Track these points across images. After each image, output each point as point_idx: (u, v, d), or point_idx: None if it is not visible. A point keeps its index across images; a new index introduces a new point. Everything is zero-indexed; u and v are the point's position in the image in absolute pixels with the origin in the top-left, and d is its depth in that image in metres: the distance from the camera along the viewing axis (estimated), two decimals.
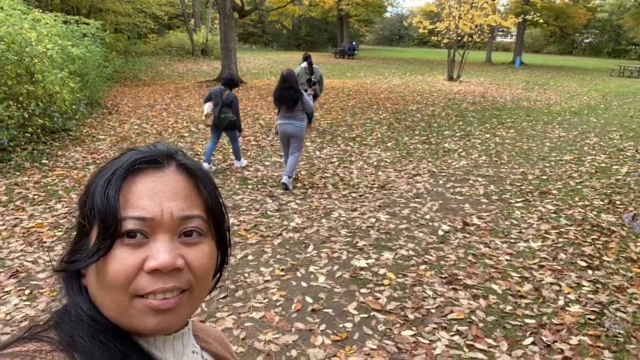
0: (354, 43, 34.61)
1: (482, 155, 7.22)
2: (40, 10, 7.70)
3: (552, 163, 6.79)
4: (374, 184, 5.72)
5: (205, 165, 5.92)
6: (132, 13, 21.72)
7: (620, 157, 7.34)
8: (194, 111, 10.34)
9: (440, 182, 5.82)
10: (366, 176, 6.07)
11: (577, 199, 5.25)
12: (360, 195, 5.26)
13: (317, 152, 7.28)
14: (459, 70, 19.88)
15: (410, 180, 5.90)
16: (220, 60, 15.21)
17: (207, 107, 5.99)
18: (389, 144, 7.95)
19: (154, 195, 0.52)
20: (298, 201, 5.04)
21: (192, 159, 0.60)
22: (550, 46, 57.27)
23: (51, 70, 6.38)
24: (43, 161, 5.98)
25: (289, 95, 5.31)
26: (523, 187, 5.61)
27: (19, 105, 6.11)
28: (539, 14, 20.47)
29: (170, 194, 0.53)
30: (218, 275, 0.63)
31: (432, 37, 20.04)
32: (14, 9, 6.57)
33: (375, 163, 6.73)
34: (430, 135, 8.78)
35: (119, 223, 0.50)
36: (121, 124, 8.50)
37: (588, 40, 54.29)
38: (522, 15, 19.78)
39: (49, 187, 5.11)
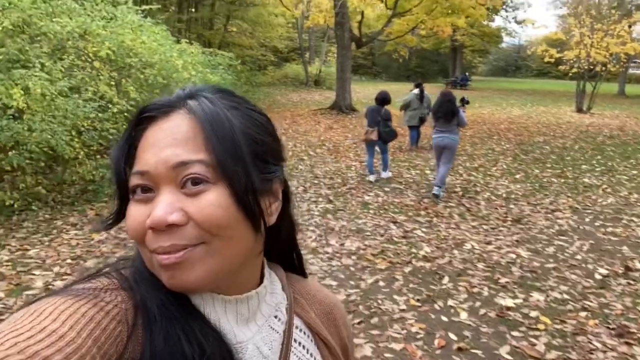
0: (466, 74, 33.61)
1: (633, 193, 6.31)
2: (187, 41, 8.53)
3: None
4: (506, 216, 5.23)
5: (372, 177, 6.85)
6: (255, 47, 23.40)
7: None
8: (311, 136, 10.61)
9: (587, 219, 5.15)
10: (496, 208, 5.60)
11: None
12: (493, 228, 4.82)
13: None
14: (589, 101, 18.13)
15: (549, 215, 5.30)
16: (331, 90, 15.61)
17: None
18: (517, 176, 7.33)
19: (153, 146, 0.48)
20: (424, 229, 4.76)
21: (222, 92, 0.53)
22: None
23: None
24: None
25: (447, 109, 5.97)
26: None
27: None
28: None
29: (168, 140, 0.48)
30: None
31: (559, 67, 18.57)
32: (167, 38, 7.31)
33: (504, 195, 6.21)
34: (564, 169, 7.96)
35: (127, 179, 0.49)
36: None
37: None
38: None
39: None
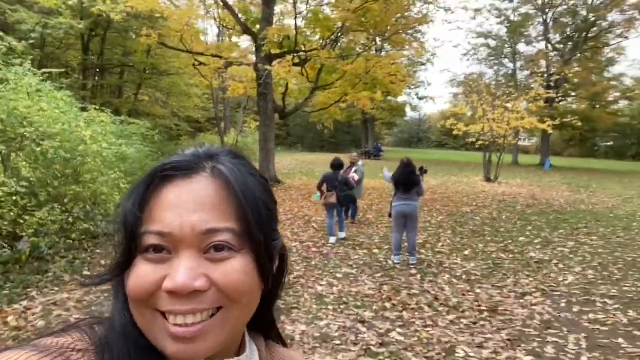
0: (379, 144, 35.07)
1: (586, 269, 6.15)
2: (97, 109, 7.43)
3: None
4: (479, 306, 4.66)
5: (332, 239, 7.23)
6: (168, 116, 22.34)
7: None
8: None
9: (562, 304, 4.74)
10: (464, 294, 5.03)
11: None
12: (474, 323, 4.19)
13: (390, 262, 6.31)
14: (496, 171, 19.34)
15: (521, 301, 4.83)
16: (254, 162, 14.89)
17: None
18: (466, 253, 6.97)
19: (177, 207, 0.47)
20: (400, 330, 3.99)
21: (240, 158, 0.53)
22: (570, 149, 57.65)
23: (103, 171, 5.79)
24: (84, 272, 5.13)
25: (410, 179, 6.16)
26: None
27: (64, 209, 5.43)
28: (574, 118, 20.37)
29: (193, 204, 0.47)
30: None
31: (468, 139, 19.81)
32: (72, 105, 6.19)
33: (464, 277, 5.71)
34: (505, 242, 7.80)
35: (139, 237, 0.47)
36: None
37: (609, 144, 54.57)
38: (558, 119, 19.67)
39: (93, 308, 4.19)
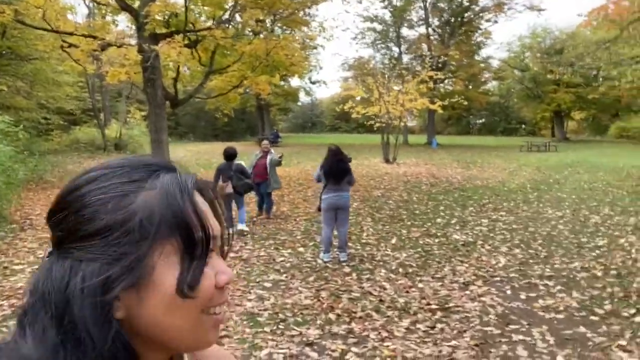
0: (276, 130, 34.38)
1: (512, 248, 6.16)
2: None
3: (599, 252, 5.88)
4: (429, 304, 4.27)
5: (240, 225, 7.09)
6: (34, 109, 19.31)
7: None
8: None
9: (508, 292, 4.54)
10: (407, 291, 4.63)
11: None
12: (432, 328, 3.77)
13: (319, 261, 5.73)
14: (394, 152, 19.82)
15: (467, 293, 4.55)
16: (141, 155, 13.32)
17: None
18: (393, 241, 6.65)
19: (208, 214, 0.52)
20: (355, 349, 3.41)
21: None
22: (449, 128, 62.37)
23: None
24: None
25: (340, 167, 5.68)
26: (610, 290, 4.49)
27: None
28: (460, 97, 21.61)
29: (210, 212, 0.53)
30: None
31: (367, 122, 20.00)
32: None
33: (401, 270, 5.33)
34: (426, 225, 7.67)
35: (211, 240, 0.50)
36: (42, 244, 6.28)
37: (482, 121, 60.01)
38: (447, 99, 20.71)
39: None
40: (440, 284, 4.83)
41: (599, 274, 4.97)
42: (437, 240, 6.68)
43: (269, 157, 7.98)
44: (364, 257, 5.86)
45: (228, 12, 12.69)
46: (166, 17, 12.66)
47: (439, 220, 8.13)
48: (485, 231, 7.19)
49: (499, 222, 7.87)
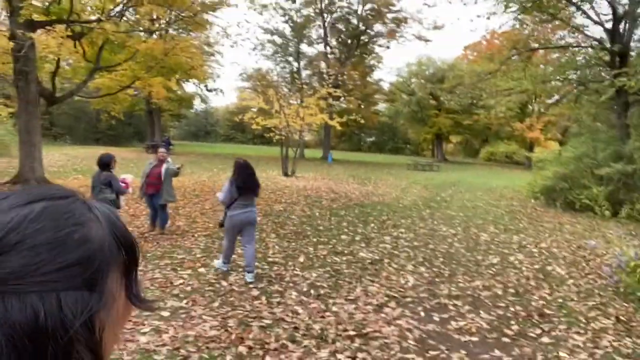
0: (168, 137, 32.46)
1: (417, 266, 6.23)
2: None
3: (495, 270, 6.19)
4: (345, 330, 4.04)
5: None
6: None
7: (543, 253, 7.28)
8: None
9: (421, 313, 4.49)
10: (322, 317, 4.35)
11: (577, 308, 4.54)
12: (352, 358, 3.52)
13: (223, 282, 5.22)
14: (293, 165, 19.75)
15: (383, 316, 4.41)
16: (12, 158, 11.60)
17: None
18: (301, 260, 6.37)
19: None
20: None
21: None
22: (342, 144, 64.66)
23: None
24: None
25: (253, 182, 5.50)
26: (514, 310, 4.67)
27: None
28: (358, 115, 22.34)
29: None
30: None
31: (267, 134, 19.65)
32: None
33: (313, 292, 5.05)
34: (331, 242, 7.54)
35: None
36: None
37: (372, 139, 63.15)
38: (345, 116, 21.25)
39: None
40: (354, 306, 4.64)
41: (500, 292, 5.19)
42: (344, 259, 6.54)
43: (164, 166, 7.24)
44: (272, 278, 5.48)
45: (120, 6, 11.57)
46: (46, 3, 11.16)
47: (343, 237, 8.06)
48: (390, 249, 7.25)
49: (401, 239, 8.03)
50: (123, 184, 6.29)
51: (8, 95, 29.69)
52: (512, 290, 5.25)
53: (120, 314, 0.51)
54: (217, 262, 5.71)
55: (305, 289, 5.12)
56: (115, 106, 14.27)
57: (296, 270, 5.84)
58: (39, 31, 9.91)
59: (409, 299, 4.90)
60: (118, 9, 11.75)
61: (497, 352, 3.63)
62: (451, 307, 4.66)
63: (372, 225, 9.29)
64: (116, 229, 0.52)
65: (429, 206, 12.52)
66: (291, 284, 5.29)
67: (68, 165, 19.67)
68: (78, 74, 13.26)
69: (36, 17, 10.50)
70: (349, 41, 35.64)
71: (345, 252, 6.95)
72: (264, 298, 4.79)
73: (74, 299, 0.45)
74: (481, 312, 4.53)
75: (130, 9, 11.83)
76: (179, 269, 5.63)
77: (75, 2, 10.97)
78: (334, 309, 4.56)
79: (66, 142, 34.91)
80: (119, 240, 0.51)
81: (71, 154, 25.29)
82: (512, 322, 4.31)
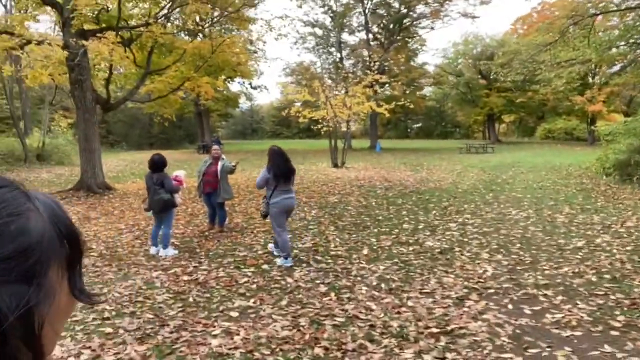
0: (217, 137, 33.04)
1: (493, 254, 5.76)
2: None
3: (582, 254, 5.62)
4: (427, 327, 3.70)
5: (153, 249, 6.06)
6: None
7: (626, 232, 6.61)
8: None
9: (509, 306, 4.07)
10: (398, 312, 4.03)
11: None
12: (441, 359, 3.19)
13: (289, 279, 5.02)
14: (342, 157, 19.43)
15: (466, 310, 4.03)
16: (63, 165, 12.03)
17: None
18: (365, 252, 6.07)
19: None
20: None
21: None
22: (388, 132, 63.56)
23: None
24: None
25: (289, 168, 5.58)
26: (614, 298, 4.16)
27: None
28: (406, 101, 21.70)
29: None
30: None
31: (314, 126, 19.44)
32: None
33: (384, 286, 4.74)
34: (393, 232, 7.18)
35: None
36: None
37: (419, 125, 61.64)
38: (394, 103, 20.66)
39: None
40: (431, 300, 4.29)
41: (594, 278, 4.66)
42: (411, 249, 6.18)
43: (220, 163, 7.14)
44: (339, 272, 5.21)
45: (166, 8, 11.65)
46: (95, 12, 11.42)
47: (405, 225, 7.68)
48: (458, 236, 6.80)
49: (468, 225, 7.54)
50: (175, 182, 6.25)
51: (67, 107, 31.23)
52: (607, 276, 4.70)
53: (61, 308, 0.50)
54: (280, 260, 5.59)
55: (375, 283, 4.82)
56: (167, 109, 14.48)
57: (362, 263, 5.55)
58: (90, 39, 10.13)
59: (491, 290, 4.48)
60: (164, 11, 11.86)
61: (607, 348, 3.18)
62: (542, 298, 4.20)
63: (434, 212, 8.83)
64: (58, 221, 0.50)
65: (490, 189, 11.84)
66: (359, 278, 5.00)
67: (126, 169, 20.39)
68: (130, 80, 13.55)
69: (87, 26, 10.77)
70: (391, 26, 34.68)
71: (411, 241, 6.58)
72: (332, 294, 4.53)
73: (10, 292, 0.43)
74: (578, 302, 4.05)
75: (176, 11, 11.89)
76: (242, 266, 5.48)
77: (123, 9, 11.16)
78: (410, 303, 4.23)
79: (122, 149, 36.38)
80: (61, 232, 0.49)
81: (128, 159, 26.26)
82: (617, 312, 3.81)
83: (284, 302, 4.34)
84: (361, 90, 19.56)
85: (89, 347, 3.41)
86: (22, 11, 12.60)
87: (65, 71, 11.20)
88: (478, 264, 5.37)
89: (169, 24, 12.31)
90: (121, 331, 3.71)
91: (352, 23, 35.82)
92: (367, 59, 30.78)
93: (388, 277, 5.02)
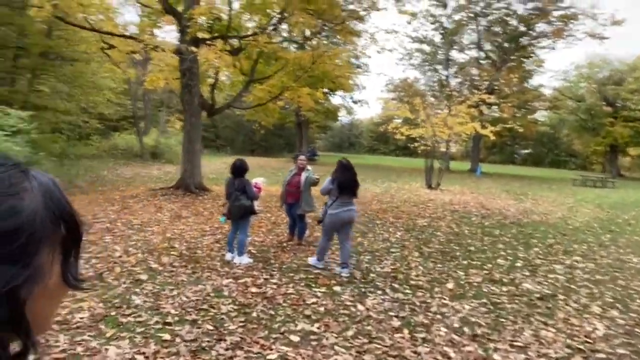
0: (314, 148, 33.63)
1: (607, 309, 4.84)
2: None
3: None
4: None
5: (229, 255, 6.03)
6: (74, 112, 19.17)
7: None
8: (150, 232, 7.46)
9: None
10: None
11: None
12: None
13: (360, 306, 4.61)
14: (438, 178, 18.48)
15: None
16: (171, 164, 12.78)
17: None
18: (450, 286, 5.45)
19: None
20: None
21: None
22: (492, 156, 60.04)
23: None
24: None
25: (353, 182, 5.69)
26: None
27: None
28: (515, 124, 20.17)
29: None
30: None
31: (411, 144, 18.80)
32: None
33: (465, 329, 4.14)
34: (486, 267, 6.42)
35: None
36: None
37: (528, 151, 57.42)
38: (500, 125, 19.29)
39: None
40: (524, 357, 3.61)
41: None
42: (504, 289, 5.43)
43: (304, 174, 6.97)
44: (416, 306, 4.69)
45: (275, 19, 11.97)
46: (210, 22, 12.08)
47: (500, 261, 6.86)
48: (563, 281, 5.87)
49: (577, 269, 6.52)
50: (255, 189, 6.18)
51: (182, 111, 33.83)
52: None
53: (52, 290, 0.49)
54: (312, 260, 5.91)
55: (456, 325, 4.24)
56: (266, 117, 14.88)
57: (444, 299, 4.96)
58: (201, 47, 10.68)
59: (601, 355, 3.68)
60: (274, 21, 12.19)
61: None
62: None
63: (536, 249, 7.84)
64: (54, 203, 0.49)
65: (608, 230, 10.34)
66: (439, 316, 4.44)
67: (225, 173, 21.40)
68: (235, 87, 14.14)
69: (201, 34, 11.40)
70: (506, 44, 32.75)
71: (505, 280, 5.81)
72: (406, 331, 4.04)
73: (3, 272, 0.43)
74: None
75: (283, 23, 12.18)
76: (313, 285, 5.19)
77: (235, 20, 11.66)
78: (496, 357, 3.60)
79: (227, 153, 38.56)
80: (55, 214, 0.49)
81: (228, 163, 27.63)
82: None
83: (350, 333, 3.95)
84: (465, 110, 18.52)
85: (143, 353, 3.32)
86: (146, 19, 13.77)
87: (178, 76, 11.94)
88: (586, 319, 4.50)
89: (275, 34, 12.62)
90: (178, 340, 3.59)
91: (463, 40, 34.52)
92: (476, 77, 29.33)
93: (473, 320, 4.40)
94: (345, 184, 5.62)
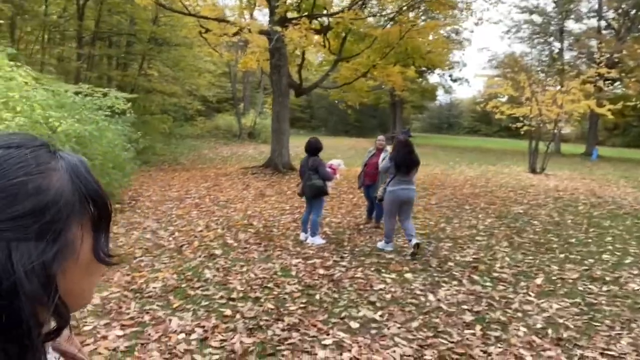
0: (408, 128, 32.73)
1: None
2: (17, 65, 5.57)
3: None
4: None
5: (302, 235, 6.03)
6: (180, 94, 20.59)
7: None
8: (233, 209, 7.74)
9: None
10: None
11: None
12: None
13: (430, 296, 4.31)
14: (543, 161, 16.88)
15: None
16: (266, 144, 13.13)
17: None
18: (538, 281, 4.90)
19: None
20: None
21: None
22: (613, 138, 53.65)
23: None
24: None
25: (412, 159, 5.60)
26: None
27: None
28: (632, 103, 17.66)
29: None
30: None
31: (513, 125, 17.35)
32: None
33: (549, 331, 3.67)
34: (586, 262, 5.68)
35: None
36: (129, 231, 5.90)
37: None
38: (622, 102, 17.00)
39: None
40: None
41: None
42: (605, 289, 4.75)
43: (382, 155, 6.70)
44: (495, 302, 4.27)
45: None
46: (298, 0, 12.08)
47: (606, 256, 6.03)
48: None
49: None
50: (330, 170, 6.05)
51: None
52: None
53: (85, 266, 0.50)
54: (380, 244, 5.80)
55: (539, 326, 3.78)
56: (354, 97, 14.62)
57: (530, 295, 4.46)
58: (288, 26, 10.73)
59: None
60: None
61: None
62: None
63: None
64: (81, 181, 0.51)
65: None
66: (519, 314, 4.00)
67: None
68: (323, 67, 14.08)
69: (290, 14, 11.45)
70: (632, 11, 28.68)
71: (607, 278, 5.08)
72: (478, 327, 3.69)
73: (24, 249, 0.44)
74: None
75: None
76: (383, 270, 4.97)
77: None
78: None
79: (321, 133, 39.06)
80: (82, 192, 0.50)
81: (322, 143, 27.99)
82: None
83: (414, 324, 3.70)
84: (579, 86, 16.58)
85: (203, 327, 3.41)
86: (242, 2, 14.16)
87: (268, 57, 12.17)
88: None
89: (365, 11, 12.27)
90: (238, 316, 3.63)
91: (581, 8, 30.89)
92: (595, 50, 26.14)
93: (560, 321, 3.89)
94: (401, 161, 5.53)
